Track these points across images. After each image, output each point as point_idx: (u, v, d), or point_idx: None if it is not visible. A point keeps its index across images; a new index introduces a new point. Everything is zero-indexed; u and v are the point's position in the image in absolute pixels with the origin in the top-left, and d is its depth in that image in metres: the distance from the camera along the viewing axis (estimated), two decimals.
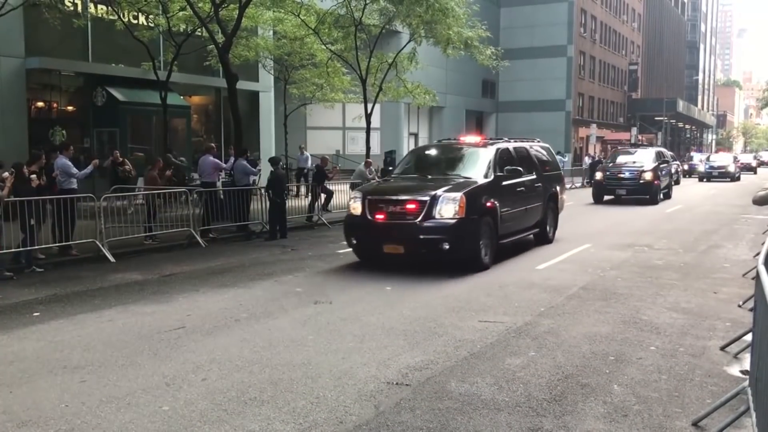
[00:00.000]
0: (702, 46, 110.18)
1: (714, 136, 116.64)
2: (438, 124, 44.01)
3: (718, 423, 4.43)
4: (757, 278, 4.38)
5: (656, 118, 64.85)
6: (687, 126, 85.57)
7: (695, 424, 4.53)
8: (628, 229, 15.65)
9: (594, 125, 50.93)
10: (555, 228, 13.46)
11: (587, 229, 15.34)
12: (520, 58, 47.52)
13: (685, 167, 45.38)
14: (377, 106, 22.96)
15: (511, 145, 12.12)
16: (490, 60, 20.78)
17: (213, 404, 4.83)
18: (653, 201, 22.69)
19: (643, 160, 24.18)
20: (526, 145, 13.03)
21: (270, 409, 4.74)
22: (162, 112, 19.22)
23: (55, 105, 21.44)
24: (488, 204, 10.34)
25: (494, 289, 8.77)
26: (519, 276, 9.69)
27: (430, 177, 11.02)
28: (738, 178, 40.85)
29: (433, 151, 13.10)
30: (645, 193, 22.86)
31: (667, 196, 25.17)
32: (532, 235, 12.48)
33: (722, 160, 43.08)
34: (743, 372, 5.51)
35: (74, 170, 11.79)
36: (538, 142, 14.14)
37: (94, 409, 4.75)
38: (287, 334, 6.67)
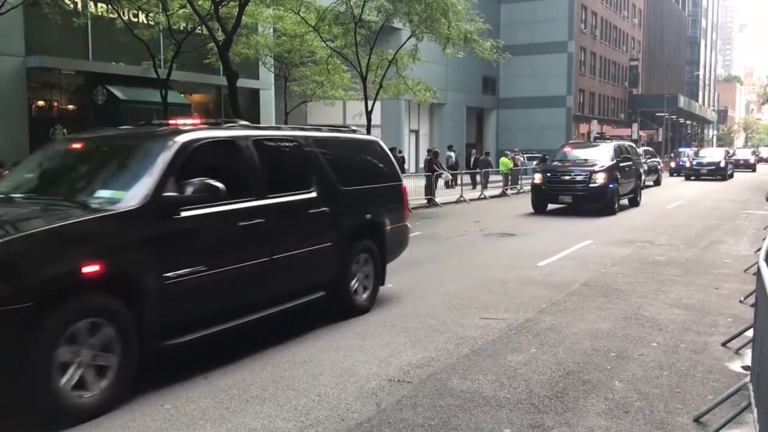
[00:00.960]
0: (703, 42, 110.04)
1: (715, 132, 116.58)
2: (439, 121, 43.99)
3: (719, 419, 4.43)
4: (758, 274, 4.38)
5: (657, 114, 64.80)
6: (688, 122, 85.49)
7: (697, 420, 4.53)
8: (628, 224, 15.64)
9: (595, 121, 50.99)
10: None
11: (588, 226, 15.34)
12: (521, 55, 47.38)
13: (672, 165, 42.50)
14: (378, 104, 22.93)
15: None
16: (491, 54, 20.75)
17: (215, 402, 4.84)
18: (609, 210, 17.77)
19: (596, 157, 18.90)
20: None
21: (272, 407, 4.75)
22: (163, 111, 19.21)
23: (55, 104, 21.45)
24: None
25: (495, 286, 8.77)
26: (520, 273, 9.69)
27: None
28: (731, 176, 38.08)
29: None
30: (597, 200, 17.79)
31: (634, 202, 20.52)
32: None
33: (712, 155, 39.50)
34: (744, 368, 5.51)
35: None
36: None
37: None
38: (289, 331, 6.67)
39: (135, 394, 4.97)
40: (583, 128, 53.68)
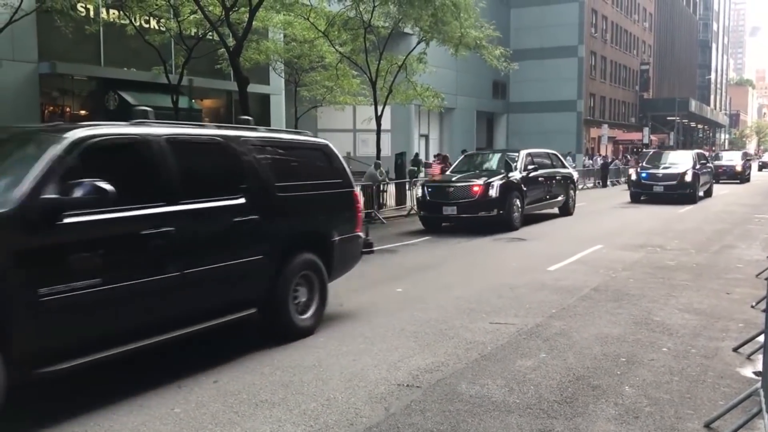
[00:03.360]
0: (714, 45, 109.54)
1: (727, 136, 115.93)
2: (449, 126, 44.01)
3: (730, 425, 4.41)
4: None
5: (668, 118, 64.55)
6: (700, 126, 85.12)
7: (707, 425, 4.51)
8: (639, 229, 15.58)
9: (605, 125, 50.80)
10: None
11: (599, 230, 15.29)
12: (531, 59, 47.43)
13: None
14: (387, 108, 22.98)
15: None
16: (499, 61, 20.76)
17: (224, 406, 4.86)
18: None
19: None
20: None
21: (281, 411, 4.76)
22: (174, 116, 19.33)
23: (67, 109, 21.61)
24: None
25: (505, 291, 8.75)
26: (530, 277, 9.67)
27: None
28: (747, 179, 38.05)
29: None
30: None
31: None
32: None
33: (729, 158, 39.81)
34: (756, 373, 5.47)
35: None
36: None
37: (105, 411, 4.78)
38: (299, 336, 6.68)
39: (146, 398, 5.00)
40: (594, 132, 53.53)
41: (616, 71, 60.36)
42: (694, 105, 70.81)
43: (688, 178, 22.64)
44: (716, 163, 35.85)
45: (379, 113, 21.07)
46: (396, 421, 4.58)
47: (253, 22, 16.12)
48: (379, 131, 21.52)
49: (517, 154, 16.83)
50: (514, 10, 51.47)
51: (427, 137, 42.37)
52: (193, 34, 19.54)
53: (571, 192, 19.23)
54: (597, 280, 9.44)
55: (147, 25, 20.29)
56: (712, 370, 5.65)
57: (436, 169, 24.76)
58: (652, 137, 61.00)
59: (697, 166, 23.66)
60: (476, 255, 12.13)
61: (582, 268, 10.44)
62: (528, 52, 46.87)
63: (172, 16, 18.96)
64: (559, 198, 18.33)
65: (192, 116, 22.94)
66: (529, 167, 16.63)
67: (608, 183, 35.20)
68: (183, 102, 20.69)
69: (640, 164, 25.91)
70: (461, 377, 5.44)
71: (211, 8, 17.14)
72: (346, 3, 19.46)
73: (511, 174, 15.54)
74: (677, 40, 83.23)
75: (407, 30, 21.97)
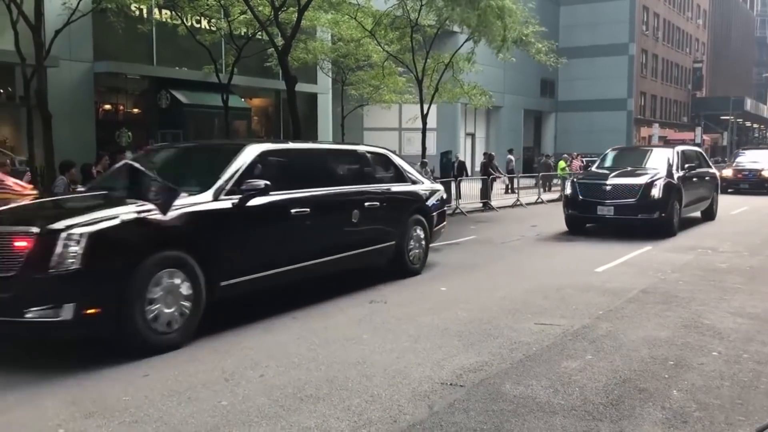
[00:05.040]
0: None
1: None
2: (495, 125, 43.71)
3: None
4: None
5: (722, 117, 62.91)
6: (755, 125, 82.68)
7: None
8: (691, 231, 15.24)
9: (656, 125, 49.88)
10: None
11: (647, 232, 15.00)
12: (581, 57, 46.82)
13: (728, 173, 28.52)
14: (433, 107, 22.97)
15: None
16: (547, 57, 20.54)
17: (270, 400, 4.94)
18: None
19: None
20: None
21: (325, 407, 4.82)
22: (223, 115, 19.66)
23: (121, 107, 22.19)
24: None
25: (551, 292, 8.68)
26: (577, 278, 9.55)
27: None
28: None
29: None
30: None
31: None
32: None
33: (754, 159, 29.40)
34: None
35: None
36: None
37: (156, 402, 4.91)
38: (342, 332, 6.75)
39: (194, 390, 5.12)
40: (644, 132, 52.53)
41: (667, 69, 59.08)
42: (749, 104, 68.81)
43: (656, 193, 13.65)
44: (736, 166, 29.11)
45: (425, 112, 21.06)
46: (439, 419, 4.59)
47: (302, 22, 16.28)
48: (424, 130, 21.50)
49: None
50: (564, 7, 50.81)
51: (473, 136, 42.15)
52: (242, 33, 19.83)
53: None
54: (645, 282, 9.28)
55: (198, 25, 20.68)
56: (765, 376, 5.50)
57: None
58: (705, 137, 59.55)
59: (677, 173, 14.58)
60: (521, 255, 12.04)
61: (630, 270, 10.27)
62: (578, 50, 46.24)
63: (222, 16, 19.27)
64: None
65: (241, 115, 23.33)
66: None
67: None
68: (233, 101, 21.02)
69: (586, 168, 20.29)
70: (505, 377, 5.42)
71: (260, 8, 17.38)
72: (393, 2, 19.50)
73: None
74: (733, 37, 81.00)
75: (454, 28, 21.90)
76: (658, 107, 57.23)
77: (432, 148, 30.15)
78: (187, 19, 19.55)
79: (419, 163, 19.03)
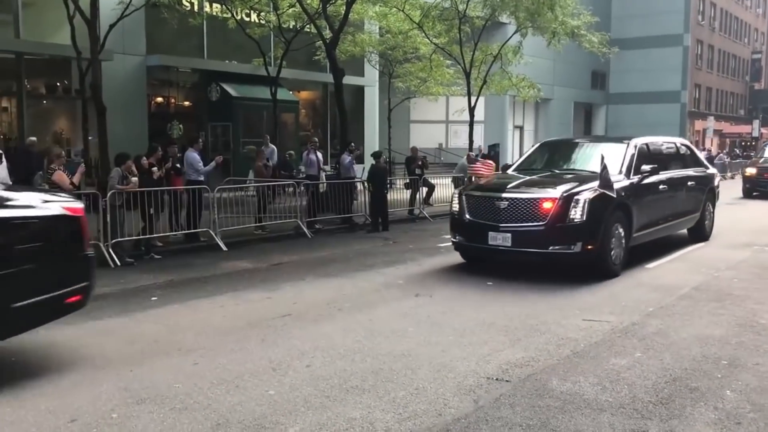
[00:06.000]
0: None
1: None
2: (545, 117, 43.12)
3: None
4: None
5: None
6: None
7: None
8: (746, 227, 14.81)
9: (711, 118, 48.52)
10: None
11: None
12: (633, 48, 45.85)
13: (751, 171, 23.56)
14: (481, 99, 22.76)
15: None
16: (599, 47, 20.18)
17: (316, 390, 4.99)
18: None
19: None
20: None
21: (371, 398, 4.84)
22: (272, 107, 19.85)
23: (172, 100, 22.61)
24: None
25: (599, 288, 8.54)
26: (626, 274, 9.38)
27: None
28: None
29: None
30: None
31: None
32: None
33: None
34: None
35: (200, 165, 12.49)
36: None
37: (205, 390, 5.00)
38: (388, 324, 6.78)
39: (242, 379, 5.20)
40: (699, 125, 51.22)
41: (724, 60, 57.38)
42: None
43: (578, 212, 8.94)
44: (763, 162, 23.74)
45: (472, 104, 20.91)
46: (485, 414, 4.57)
47: (350, 15, 16.31)
48: (472, 122, 21.36)
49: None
50: None
51: (521, 129, 41.67)
52: (291, 26, 19.97)
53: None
54: (698, 279, 9.06)
55: (248, 19, 20.90)
56: None
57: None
58: (763, 130, 57.66)
59: (625, 180, 9.83)
60: None
61: (682, 266, 10.04)
62: (630, 42, 45.27)
63: (271, 9, 19.43)
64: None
65: (289, 108, 23.52)
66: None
67: None
68: (281, 94, 21.20)
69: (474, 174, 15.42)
70: (552, 373, 5.36)
71: (309, 1, 17.47)
72: None
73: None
74: None
75: (503, 19, 21.66)
76: (713, 100, 55.68)
77: (479, 141, 29.91)
78: (237, 13, 19.77)
79: (465, 157, 18.89)
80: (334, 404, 4.74)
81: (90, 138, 15.13)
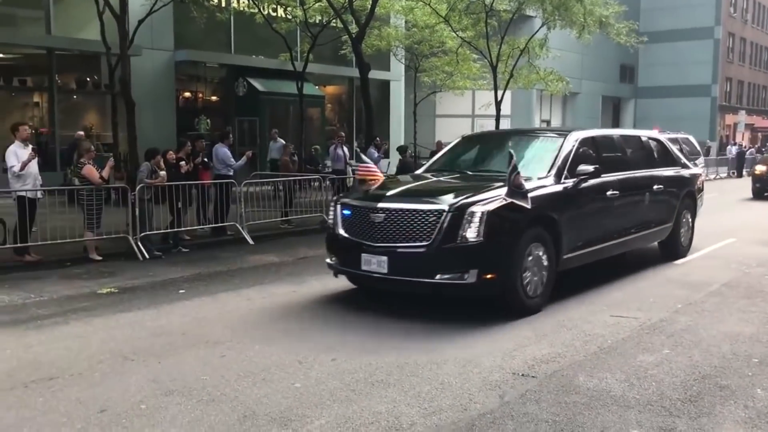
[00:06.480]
0: None
1: None
2: (572, 111, 42.75)
3: None
4: None
5: None
6: None
7: None
8: None
9: (743, 112, 47.67)
10: None
11: (731, 222, 14.41)
12: (662, 41, 45.24)
13: (761, 169, 21.13)
14: (507, 93, 22.61)
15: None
16: (628, 38, 19.94)
17: (342, 384, 5.01)
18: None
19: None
20: None
21: (396, 392, 4.85)
22: (298, 102, 19.93)
23: (200, 95, 22.81)
24: None
25: (627, 284, 8.46)
26: (654, 270, 9.28)
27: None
28: None
29: None
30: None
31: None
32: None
33: None
34: None
35: (232, 161, 12.62)
36: None
37: (232, 382, 5.05)
38: (413, 319, 6.77)
39: (269, 372, 5.24)
40: (729, 119, 50.38)
41: (756, 53, 56.33)
42: None
43: (472, 230, 6.59)
44: None
45: (499, 98, 20.79)
46: (510, 409, 4.56)
47: (376, 9, 16.29)
48: (498, 116, 21.23)
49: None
50: None
51: (548, 123, 41.36)
52: (317, 21, 20.01)
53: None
54: (728, 276, 8.93)
55: (274, 13, 20.98)
56: None
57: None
58: None
59: (553, 185, 7.56)
60: None
61: (712, 263, 9.89)
62: (659, 35, 44.66)
63: (298, 4, 19.49)
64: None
65: (315, 102, 23.59)
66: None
67: (744, 173, 33.07)
68: (307, 88, 21.27)
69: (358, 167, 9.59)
70: (579, 369, 5.32)
71: None
72: None
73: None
74: None
75: (530, 13, 21.48)
76: (745, 93, 54.71)
77: None
78: (263, 8, 19.86)
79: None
80: (360, 398, 4.75)
81: (120, 134, 15.32)
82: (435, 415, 4.47)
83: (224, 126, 20.96)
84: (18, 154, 9.72)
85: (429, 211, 6.74)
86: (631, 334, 6.27)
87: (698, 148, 18.06)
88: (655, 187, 9.44)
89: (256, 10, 19.67)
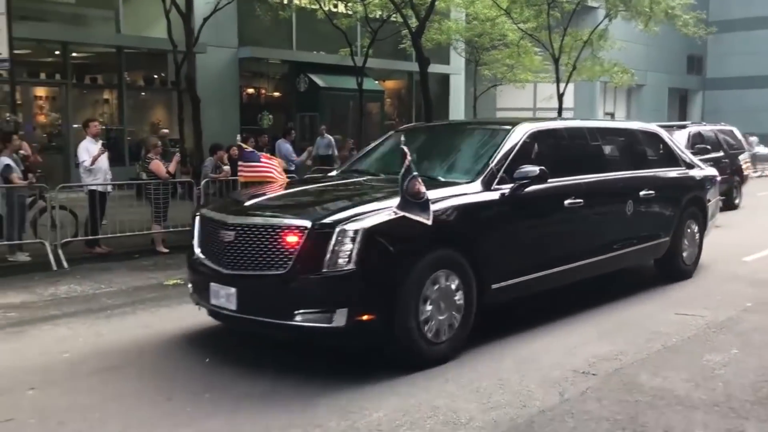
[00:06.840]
0: None
1: None
2: (637, 104, 41.70)
3: None
4: None
5: None
6: None
7: None
8: None
9: None
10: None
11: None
12: (734, 30, 43.59)
13: None
14: (570, 86, 22.20)
15: None
16: (695, 29, 19.32)
17: (401, 377, 5.03)
18: None
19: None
20: None
21: (454, 387, 4.86)
22: (358, 97, 20.05)
23: (263, 91, 23.20)
24: None
25: (693, 281, 8.23)
26: (722, 268, 8.99)
27: None
28: None
29: None
30: None
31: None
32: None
33: None
34: None
35: (293, 156, 12.80)
36: None
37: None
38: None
39: (335, 362, 5.31)
40: None
41: None
42: None
43: (342, 255, 4.85)
44: None
45: (561, 91, 20.45)
46: (570, 406, 4.51)
47: (436, 3, 16.22)
48: (560, 110, 20.87)
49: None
50: None
51: (612, 116, 40.43)
52: (377, 16, 20.07)
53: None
54: None
55: (335, 9, 21.15)
56: None
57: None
58: None
59: (486, 194, 5.85)
60: None
61: None
62: (730, 24, 43.04)
63: (358, 0, 19.59)
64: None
65: (375, 97, 23.69)
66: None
67: None
68: (367, 83, 21.37)
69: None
70: (641, 368, 5.22)
71: None
72: None
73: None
74: None
75: (593, 3, 21.04)
76: None
77: None
78: (324, 4, 20.04)
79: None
80: (419, 392, 4.78)
81: (186, 129, 15.72)
82: (493, 410, 4.46)
83: (286, 122, 21.27)
84: (89, 149, 10.12)
85: (288, 227, 5.03)
86: (697, 333, 6.11)
87: (743, 141, 17.21)
88: (642, 192, 7.51)
89: (317, 7, 19.87)
